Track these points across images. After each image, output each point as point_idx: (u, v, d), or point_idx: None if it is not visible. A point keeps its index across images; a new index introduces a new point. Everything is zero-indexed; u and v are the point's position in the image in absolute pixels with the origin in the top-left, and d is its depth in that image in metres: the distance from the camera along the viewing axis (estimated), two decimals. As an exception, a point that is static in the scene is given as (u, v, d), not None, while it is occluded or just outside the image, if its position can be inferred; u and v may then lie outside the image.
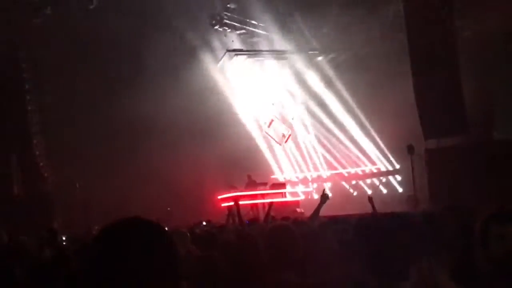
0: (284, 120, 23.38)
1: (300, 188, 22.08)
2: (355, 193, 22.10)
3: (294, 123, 23.20)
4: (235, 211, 9.59)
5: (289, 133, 23.29)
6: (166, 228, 2.22)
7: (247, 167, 21.76)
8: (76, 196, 20.96)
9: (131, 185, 21.20)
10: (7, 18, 19.42)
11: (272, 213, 15.30)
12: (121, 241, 2.04)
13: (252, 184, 20.75)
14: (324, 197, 7.12)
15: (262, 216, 17.27)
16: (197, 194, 22.02)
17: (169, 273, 2.05)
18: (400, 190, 21.25)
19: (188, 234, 6.00)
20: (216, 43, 22.67)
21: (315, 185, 22.62)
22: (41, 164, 19.73)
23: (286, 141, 23.29)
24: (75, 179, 20.84)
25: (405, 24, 18.18)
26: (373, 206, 8.57)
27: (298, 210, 20.00)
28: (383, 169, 21.94)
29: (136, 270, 1.99)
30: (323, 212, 8.99)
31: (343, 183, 22.45)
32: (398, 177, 21.58)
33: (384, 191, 21.72)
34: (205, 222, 12.65)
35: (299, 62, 22.76)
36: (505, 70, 18.74)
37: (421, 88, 17.90)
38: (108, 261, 2.02)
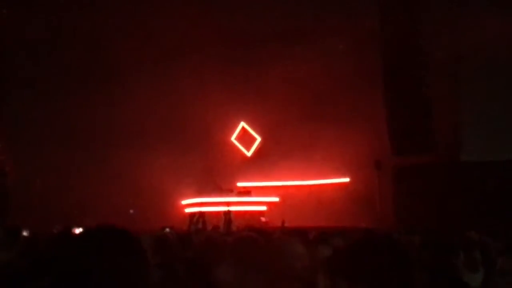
0: (253, 128, 23.28)
1: (265, 197, 21.97)
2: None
3: (263, 131, 23.10)
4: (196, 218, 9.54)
5: (258, 141, 23.20)
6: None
7: (213, 174, 21.64)
8: (36, 193, 20.57)
9: (93, 185, 20.90)
10: None
11: (236, 221, 15.27)
12: (96, 246, 2.07)
13: (218, 190, 20.68)
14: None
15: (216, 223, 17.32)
16: (160, 198, 21.81)
17: (139, 279, 2.08)
18: (364, 205, 21.24)
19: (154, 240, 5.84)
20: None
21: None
22: (2, 157, 19.31)
23: (254, 149, 23.19)
24: (36, 176, 20.47)
25: (379, 42, 18.35)
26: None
27: (262, 219, 19.95)
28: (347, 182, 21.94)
29: (107, 275, 2.02)
30: (289, 223, 8.91)
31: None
32: (362, 191, 21.58)
33: (349, 205, 21.68)
34: (168, 228, 12.44)
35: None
36: (475, 93, 18.97)
37: (392, 105, 18.04)
38: (82, 262, 2.03)
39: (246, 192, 21.20)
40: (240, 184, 22.27)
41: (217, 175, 21.60)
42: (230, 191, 20.97)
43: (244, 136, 23.40)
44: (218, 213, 19.15)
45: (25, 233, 12.12)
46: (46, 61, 20.58)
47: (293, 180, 22.28)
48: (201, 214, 17.93)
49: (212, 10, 21.26)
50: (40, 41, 20.76)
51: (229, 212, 17.23)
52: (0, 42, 20.18)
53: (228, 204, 18.68)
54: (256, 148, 23.29)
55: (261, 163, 22.41)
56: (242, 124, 23.27)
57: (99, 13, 20.48)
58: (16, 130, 20.44)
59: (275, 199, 21.67)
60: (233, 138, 23.33)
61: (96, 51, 21.27)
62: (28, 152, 20.36)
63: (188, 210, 20.82)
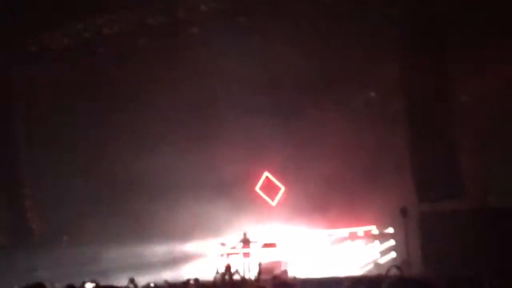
0: (277, 177, 23.21)
1: (289, 248, 21.77)
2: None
3: (287, 181, 22.97)
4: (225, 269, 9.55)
5: (282, 190, 23.06)
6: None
7: (238, 225, 21.52)
8: (63, 249, 20.67)
9: (119, 239, 20.97)
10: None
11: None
12: None
13: (246, 242, 20.65)
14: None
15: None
16: (188, 248, 21.82)
17: None
18: (394, 254, 20.86)
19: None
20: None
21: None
22: (29, 215, 19.55)
23: (278, 199, 23.04)
24: (63, 233, 20.60)
25: (402, 89, 18.36)
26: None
27: (284, 269, 19.79)
28: (376, 231, 21.59)
29: None
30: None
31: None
32: (392, 241, 21.25)
33: (378, 255, 21.34)
34: (193, 280, 12.37)
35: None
36: (502, 135, 18.73)
37: (417, 151, 17.90)
38: None
39: (271, 244, 21.00)
40: (264, 234, 22.06)
41: (243, 226, 21.50)
42: (255, 242, 20.86)
43: (268, 186, 23.32)
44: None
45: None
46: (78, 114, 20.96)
47: (320, 229, 22.05)
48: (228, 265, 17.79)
49: (238, 59, 21.43)
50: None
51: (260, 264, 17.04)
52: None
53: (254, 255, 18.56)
54: (280, 197, 23.13)
55: (287, 213, 22.22)
56: (266, 174, 23.22)
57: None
58: (45, 185, 20.68)
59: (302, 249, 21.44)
60: (257, 188, 23.27)
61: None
62: (56, 208, 20.54)
63: (214, 260, 20.70)
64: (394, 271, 9.58)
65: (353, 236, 21.77)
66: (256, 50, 20.34)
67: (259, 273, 16.22)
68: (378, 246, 21.35)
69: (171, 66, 20.71)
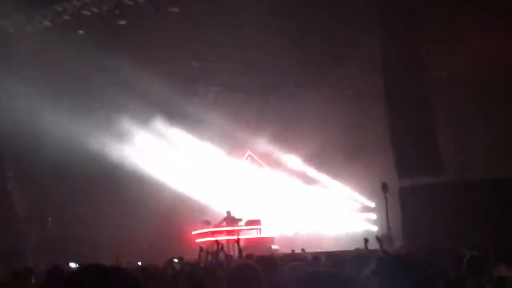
0: (259, 156, 23.38)
1: (275, 225, 21.98)
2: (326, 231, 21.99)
3: (269, 158, 23.15)
4: (206, 248, 9.70)
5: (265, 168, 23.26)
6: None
7: (222, 203, 21.70)
8: (49, 231, 20.69)
9: (105, 221, 21.01)
10: None
11: (245, 250, 15.36)
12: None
13: (229, 220, 20.71)
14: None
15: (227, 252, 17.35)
16: (171, 230, 21.89)
17: None
18: (375, 228, 21.18)
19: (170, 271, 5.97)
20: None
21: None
22: (13, 199, 19.54)
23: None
24: (47, 214, 20.62)
25: (380, 66, 18.49)
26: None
27: (273, 247, 19.95)
28: (358, 207, 21.92)
29: None
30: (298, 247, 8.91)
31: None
32: (373, 216, 21.57)
33: (359, 229, 21.65)
34: (177, 259, 12.49)
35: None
36: (479, 111, 18.99)
37: (396, 127, 18.10)
38: None
39: (255, 221, 21.18)
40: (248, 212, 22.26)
41: (226, 204, 21.67)
42: (239, 220, 20.99)
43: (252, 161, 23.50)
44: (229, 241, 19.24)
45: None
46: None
47: (304, 205, 22.30)
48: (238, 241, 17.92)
49: (218, 39, 21.39)
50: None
51: (238, 240, 17.19)
52: None
53: (238, 232, 18.69)
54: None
55: (270, 190, 22.44)
56: (249, 153, 23.36)
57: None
58: (27, 170, 20.63)
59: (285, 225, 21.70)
60: (241, 167, 23.40)
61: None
62: (40, 190, 20.51)
63: (198, 240, 20.85)
64: (369, 243, 9.87)
65: (336, 212, 22.07)
66: (237, 28, 20.34)
67: (240, 250, 16.44)
68: (360, 221, 21.73)
69: (150, 47, 20.68)
